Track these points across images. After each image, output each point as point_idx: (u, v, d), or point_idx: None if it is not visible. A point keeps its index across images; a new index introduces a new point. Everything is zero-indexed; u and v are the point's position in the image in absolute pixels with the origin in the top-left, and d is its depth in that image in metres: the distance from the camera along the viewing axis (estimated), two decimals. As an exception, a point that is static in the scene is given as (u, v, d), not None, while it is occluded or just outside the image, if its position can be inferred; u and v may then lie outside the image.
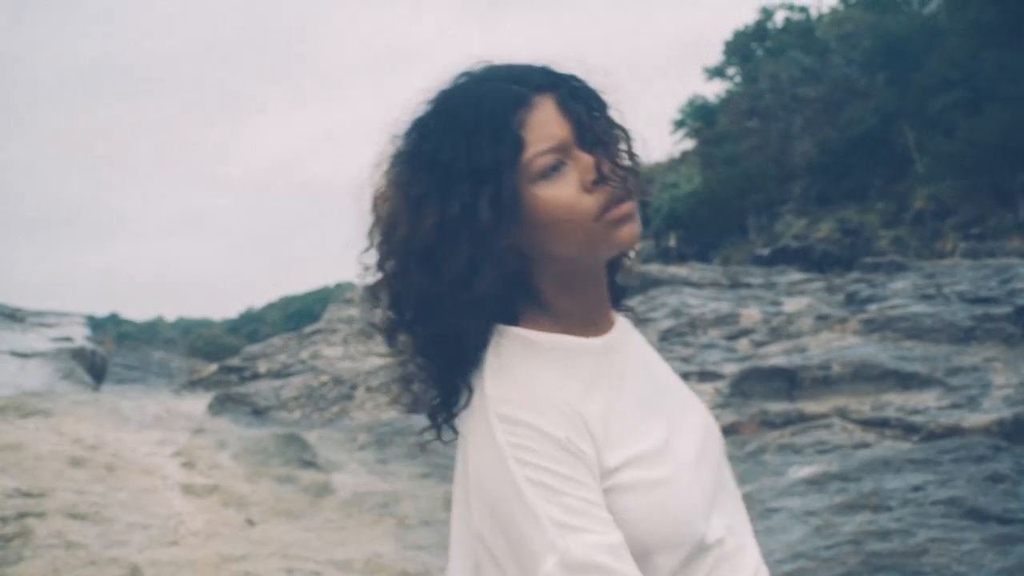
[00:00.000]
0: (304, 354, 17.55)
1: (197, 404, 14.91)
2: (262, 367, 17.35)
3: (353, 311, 19.41)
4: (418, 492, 10.00)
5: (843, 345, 14.86)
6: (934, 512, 7.50)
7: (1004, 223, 29.79)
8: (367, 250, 1.66)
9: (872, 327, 15.84)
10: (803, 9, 50.88)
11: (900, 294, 16.68)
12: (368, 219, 1.67)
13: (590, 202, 1.55)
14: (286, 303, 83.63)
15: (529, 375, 1.59)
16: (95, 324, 28.15)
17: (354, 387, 15.23)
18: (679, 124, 54.08)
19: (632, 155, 1.66)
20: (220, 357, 24.91)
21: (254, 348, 19.61)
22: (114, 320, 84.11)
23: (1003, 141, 30.97)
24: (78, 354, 17.17)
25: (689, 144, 52.14)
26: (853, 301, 17.89)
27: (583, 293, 1.66)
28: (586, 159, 1.56)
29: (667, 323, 18.23)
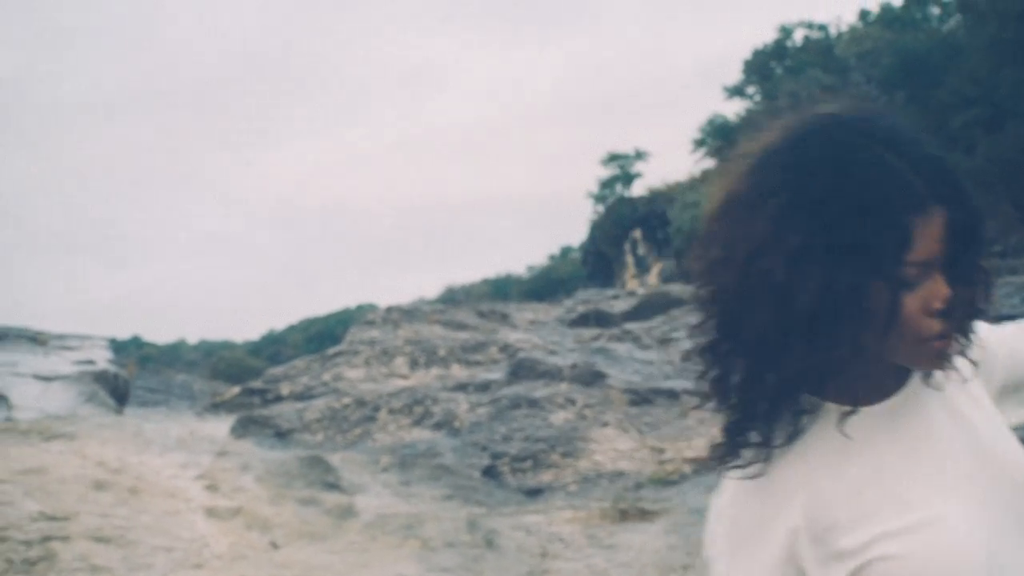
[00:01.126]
0: (326, 376, 17.55)
1: (220, 426, 14.92)
2: (285, 389, 17.36)
3: (375, 333, 19.41)
4: (441, 514, 9.99)
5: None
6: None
7: (1026, 240, 29.64)
8: (704, 254, 1.63)
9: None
10: (822, 27, 50.74)
11: (923, 312, 16.65)
12: (715, 220, 1.63)
13: (927, 325, 1.52)
14: (308, 325, 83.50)
15: (785, 456, 1.60)
16: (117, 347, 28.21)
17: (376, 409, 15.22)
18: (699, 143, 53.94)
19: (983, 299, 1.61)
20: (242, 379, 24.93)
21: (276, 370, 19.63)
22: (136, 342, 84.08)
23: (1024, 157, 30.88)
24: (100, 377, 17.21)
25: (710, 163, 52.05)
26: (875, 319, 17.87)
27: (880, 371, 1.63)
28: (943, 289, 1.51)
29: (689, 343, 18.20)
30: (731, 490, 1.63)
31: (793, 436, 1.60)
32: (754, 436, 1.61)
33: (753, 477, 1.60)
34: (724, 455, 1.64)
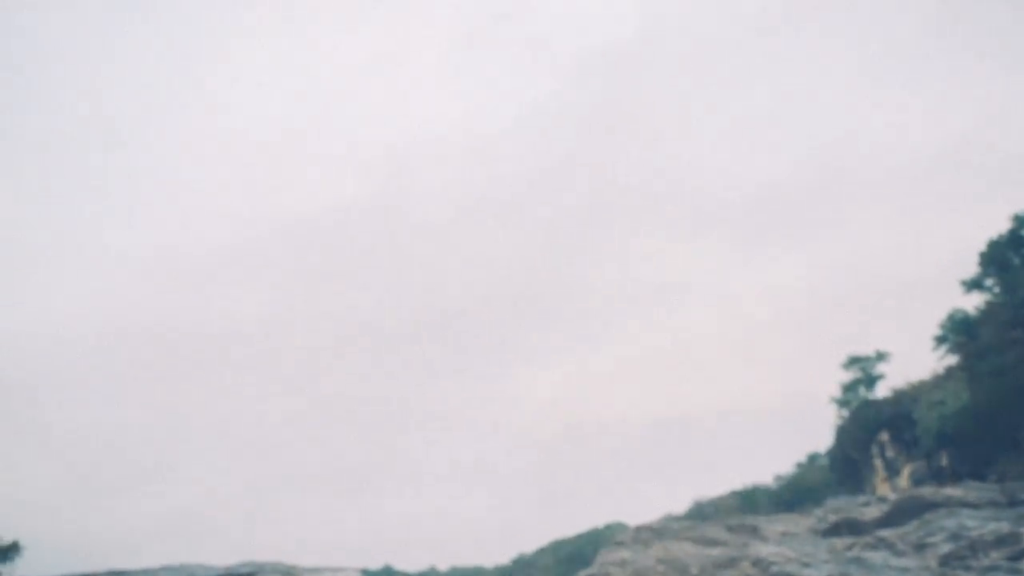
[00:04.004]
0: (581, 599, 17.73)
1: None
2: (540, 614, 17.59)
3: (626, 553, 19.55)
4: None
5: None
6: None
7: None
8: None
9: None
10: (1056, 213, 49.88)
11: None
12: None
13: None
14: (557, 547, 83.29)
15: None
16: (371, 577, 28.78)
17: (633, 630, 15.31)
18: (941, 340, 53.12)
19: None
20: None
21: (530, 596, 19.88)
22: (388, 572, 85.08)
23: None
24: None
25: (952, 359, 51.11)
26: None
27: None
28: None
29: (946, 547, 17.85)
30: None
31: None
32: None
33: None
34: None
